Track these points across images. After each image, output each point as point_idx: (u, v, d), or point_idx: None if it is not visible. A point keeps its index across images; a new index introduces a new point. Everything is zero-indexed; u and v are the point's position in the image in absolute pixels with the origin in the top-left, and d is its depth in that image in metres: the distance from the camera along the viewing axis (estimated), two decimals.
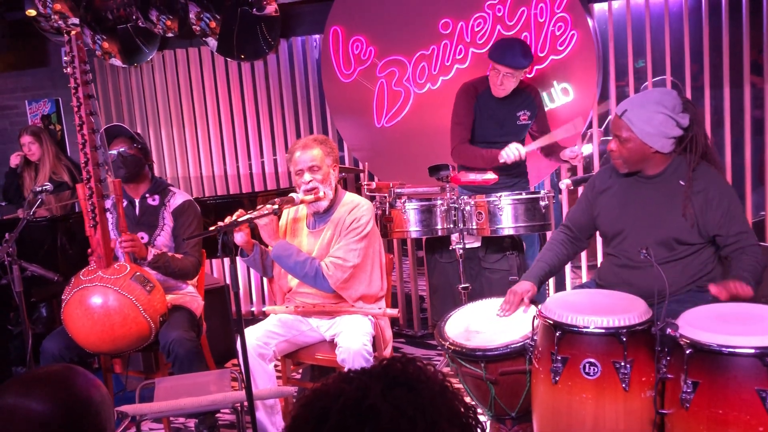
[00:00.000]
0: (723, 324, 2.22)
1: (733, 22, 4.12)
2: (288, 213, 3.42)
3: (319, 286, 3.16)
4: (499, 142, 3.93)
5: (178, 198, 3.54)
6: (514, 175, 4.02)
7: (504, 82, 3.83)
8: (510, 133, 3.95)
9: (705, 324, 2.23)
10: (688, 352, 2.16)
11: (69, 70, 2.96)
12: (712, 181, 2.66)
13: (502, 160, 3.71)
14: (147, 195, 3.52)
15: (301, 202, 3.18)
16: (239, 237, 3.16)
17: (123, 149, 3.41)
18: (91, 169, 3.02)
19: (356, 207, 3.21)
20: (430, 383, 1.07)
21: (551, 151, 3.99)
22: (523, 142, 4.03)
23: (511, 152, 3.68)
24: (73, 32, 2.94)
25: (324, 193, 3.17)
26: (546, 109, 4.23)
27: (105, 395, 1.43)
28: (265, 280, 5.37)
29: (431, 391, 1.06)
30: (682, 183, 2.68)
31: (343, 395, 1.03)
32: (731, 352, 2.10)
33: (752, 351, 2.07)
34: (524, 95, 3.98)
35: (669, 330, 2.24)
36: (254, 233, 3.23)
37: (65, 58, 2.98)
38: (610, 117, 4.99)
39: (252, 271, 5.41)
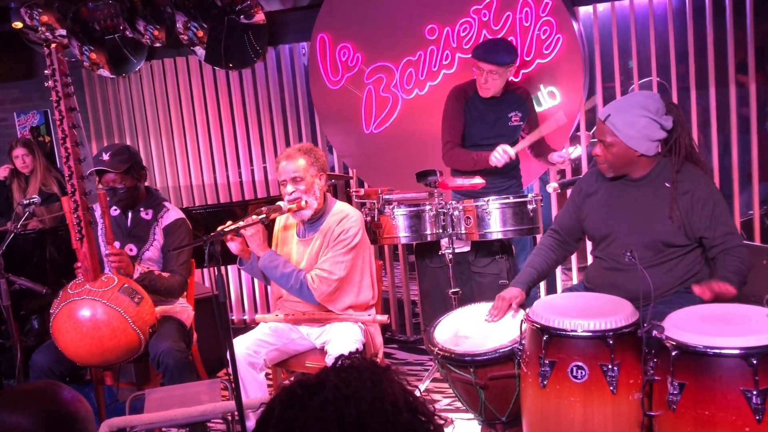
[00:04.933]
0: (708, 325, 2.23)
1: (717, 23, 4.14)
2: (279, 221, 3.43)
3: (305, 298, 3.16)
4: (490, 144, 3.90)
5: (171, 215, 3.51)
6: (508, 177, 4.03)
7: (488, 80, 3.82)
8: (502, 134, 3.95)
9: (690, 325, 2.24)
10: (674, 353, 2.17)
11: (50, 83, 2.94)
12: (698, 183, 2.67)
13: (492, 164, 3.71)
14: (141, 208, 3.50)
15: (288, 210, 3.18)
16: (234, 246, 3.16)
17: (115, 185, 3.38)
18: (75, 183, 3.00)
19: (345, 218, 3.21)
20: (378, 369, 1.11)
21: (540, 152, 4.00)
22: (516, 144, 4.04)
23: (499, 155, 3.68)
24: (53, 45, 2.92)
25: (306, 202, 3.18)
26: None
27: (88, 411, 1.43)
28: (257, 288, 5.38)
29: (378, 375, 1.10)
30: (667, 185, 2.70)
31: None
32: (716, 353, 2.11)
33: (737, 352, 2.08)
34: (515, 97, 3.99)
35: (655, 332, 2.25)
36: None
37: (46, 72, 2.96)
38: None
39: (243, 279, 5.42)
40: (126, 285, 3.08)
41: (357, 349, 1.07)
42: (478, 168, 3.80)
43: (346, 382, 1.08)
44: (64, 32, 5.40)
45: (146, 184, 3.58)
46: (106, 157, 3.37)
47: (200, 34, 5.16)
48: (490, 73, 3.80)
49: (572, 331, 2.38)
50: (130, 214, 3.50)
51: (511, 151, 3.69)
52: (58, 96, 2.95)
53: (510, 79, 4.01)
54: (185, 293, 3.58)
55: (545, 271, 3.03)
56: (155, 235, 3.47)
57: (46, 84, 2.95)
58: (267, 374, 3.25)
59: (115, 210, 3.49)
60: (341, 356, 1.15)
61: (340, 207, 3.30)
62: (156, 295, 3.37)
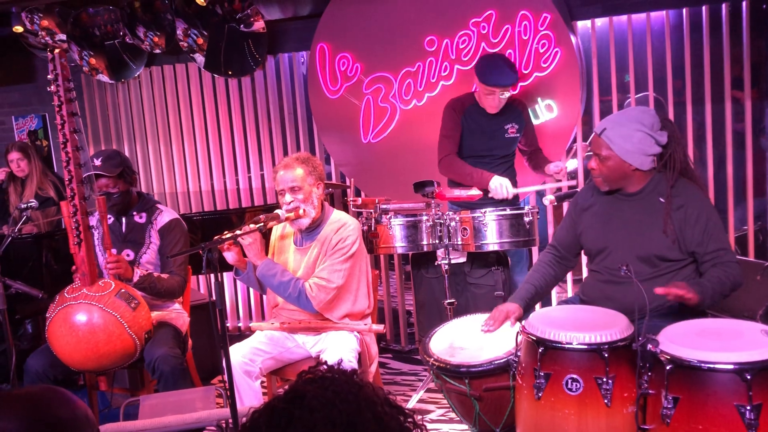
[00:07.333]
0: (703, 340, 2.25)
1: (713, 39, 4.18)
2: (276, 230, 3.43)
3: (303, 306, 3.16)
4: (487, 156, 3.98)
5: (165, 216, 3.53)
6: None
7: (502, 101, 3.91)
8: (499, 146, 4.00)
9: (685, 340, 2.25)
10: (668, 368, 2.18)
11: (53, 88, 2.96)
12: (691, 198, 2.69)
13: (490, 194, 3.75)
14: (134, 212, 3.51)
15: (286, 219, 3.19)
16: (230, 256, 3.16)
17: (108, 190, 3.38)
18: (75, 187, 3.01)
19: (343, 227, 3.22)
20: (352, 380, 1.13)
21: (537, 165, 4.03)
22: (512, 156, 4.08)
23: (501, 189, 3.73)
24: (56, 50, 2.94)
25: (304, 210, 3.18)
26: None
27: (81, 416, 1.41)
28: (252, 296, 5.38)
29: (353, 384, 1.12)
30: (661, 200, 2.72)
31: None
32: (711, 368, 2.12)
33: (731, 367, 2.09)
34: (512, 108, 4.02)
35: (650, 346, 2.27)
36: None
37: (49, 76, 2.97)
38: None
39: (239, 287, 5.41)
40: (123, 290, 3.08)
41: (318, 361, 1.11)
42: (473, 185, 3.83)
43: (324, 389, 1.09)
44: (64, 37, 5.41)
45: (139, 189, 3.58)
46: (98, 162, 3.37)
47: (200, 41, 5.18)
48: (503, 95, 3.88)
49: (568, 343, 2.39)
50: (123, 220, 3.50)
51: (512, 191, 3.77)
52: (60, 101, 2.97)
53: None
54: (182, 299, 3.59)
55: (544, 287, 3.04)
56: (151, 238, 3.48)
57: (48, 88, 2.97)
58: (262, 382, 3.24)
59: (109, 217, 3.49)
60: (302, 372, 1.16)
61: (337, 216, 3.31)
62: (157, 297, 3.37)
